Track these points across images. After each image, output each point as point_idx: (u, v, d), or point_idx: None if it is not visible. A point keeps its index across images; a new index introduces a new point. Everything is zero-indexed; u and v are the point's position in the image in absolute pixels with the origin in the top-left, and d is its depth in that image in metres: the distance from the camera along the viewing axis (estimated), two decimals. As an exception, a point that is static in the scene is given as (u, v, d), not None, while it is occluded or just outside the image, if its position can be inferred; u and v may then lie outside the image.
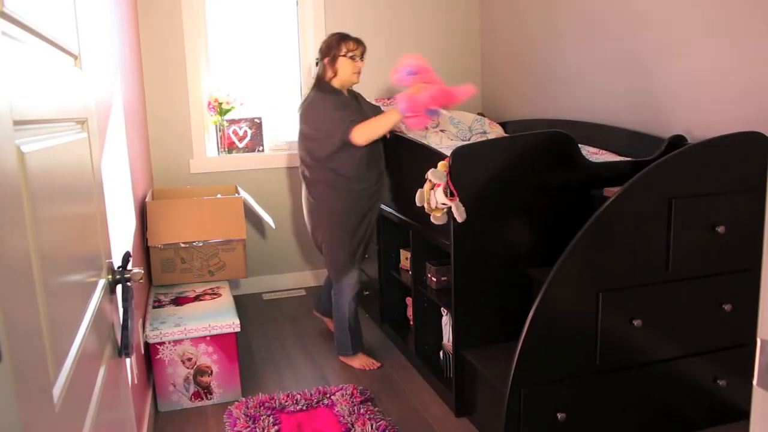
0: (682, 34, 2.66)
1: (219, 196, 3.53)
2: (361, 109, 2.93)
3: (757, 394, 0.90)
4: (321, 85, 2.89)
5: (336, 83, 2.89)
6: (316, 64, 2.95)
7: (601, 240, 2.10)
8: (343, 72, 2.86)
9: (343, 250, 2.91)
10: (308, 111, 2.88)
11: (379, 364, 3.05)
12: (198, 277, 3.16)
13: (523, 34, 3.88)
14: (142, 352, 2.57)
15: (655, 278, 2.19)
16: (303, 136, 2.92)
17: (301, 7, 4.11)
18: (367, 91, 4.23)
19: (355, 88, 3.07)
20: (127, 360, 1.72)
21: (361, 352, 3.08)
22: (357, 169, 2.83)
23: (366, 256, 3.09)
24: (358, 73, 2.89)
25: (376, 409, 2.59)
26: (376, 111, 3.00)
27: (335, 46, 2.86)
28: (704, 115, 2.59)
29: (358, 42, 2.88)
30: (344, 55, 2.85)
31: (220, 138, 3.99)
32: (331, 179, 2.86)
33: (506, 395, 2.10)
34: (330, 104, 2.82)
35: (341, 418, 2.51)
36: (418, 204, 2.49)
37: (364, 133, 2.76)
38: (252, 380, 2.92)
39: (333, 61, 2.86)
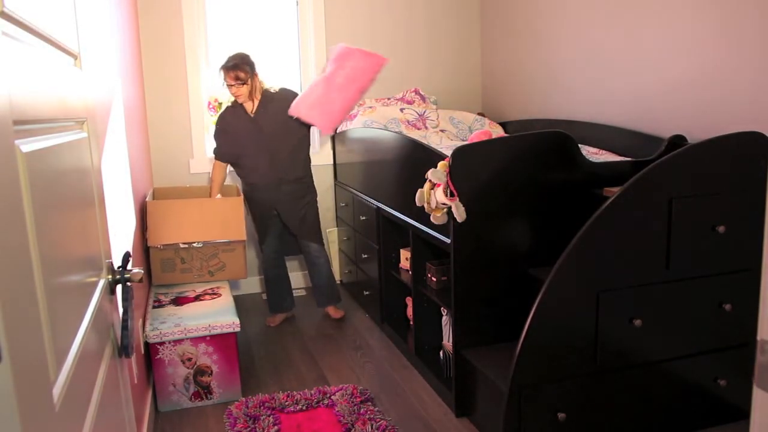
0: (683, 34, 2.66)
1: (219, 196, 3.53)
2: (240, 125, 3.36)
3: (757, 394, 0.90)
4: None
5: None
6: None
7: (601, 240, 2.10)
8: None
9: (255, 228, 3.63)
10: None
11: (274, 324, 3.61)
12: (198, 278, 3.16)
13: (523, 35, 3.88)
14: (142, 352, 2.57)
15: (655, 278, 2.19)
16: None
17: (301, 7, 4.11)
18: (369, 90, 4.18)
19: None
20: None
21: (277, 313, 3.64)
22: (241, 175, 3.50)
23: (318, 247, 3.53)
24: (238, 96, 3.31)
25: (376, 409, 2.59)
26: (277, 120, 3.36)
27: (220, 74, 3.30)
28: (704, 115, 2.59)
29: (227, 69, 3.25)
30: (225, 84, 3.30)
31: (220, 138, 3.99)
32: None
33: (506, 395, 2.10)
34: (220, 118, 3.44)
35: (341, 418, 2.51)
36: (418, 204, 2.49)
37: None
38: (252, 380, 2.92)
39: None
